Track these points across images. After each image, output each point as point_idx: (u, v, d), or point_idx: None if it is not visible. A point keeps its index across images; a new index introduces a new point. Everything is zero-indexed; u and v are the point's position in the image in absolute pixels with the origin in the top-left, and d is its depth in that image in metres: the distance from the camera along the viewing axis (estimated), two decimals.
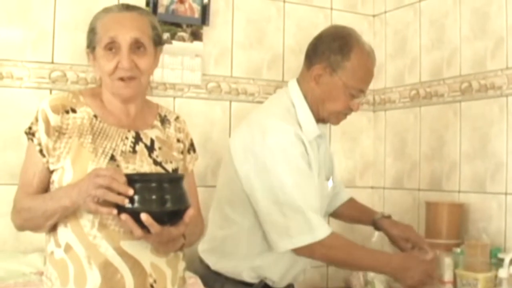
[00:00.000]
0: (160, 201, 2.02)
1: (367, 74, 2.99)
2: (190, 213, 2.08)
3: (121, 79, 2.23)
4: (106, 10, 2.28)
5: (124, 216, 2.00)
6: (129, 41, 2.20)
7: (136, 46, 2.22)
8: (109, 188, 1.99)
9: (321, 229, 2.76)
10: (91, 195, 2.01)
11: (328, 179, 3.15)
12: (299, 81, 3.02)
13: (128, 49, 2.20)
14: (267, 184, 2.78)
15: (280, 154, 2.79)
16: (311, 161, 2.87)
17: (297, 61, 3.85)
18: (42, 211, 2.15)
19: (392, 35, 4.37)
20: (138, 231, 2.02)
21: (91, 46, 2.28)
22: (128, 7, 2.29)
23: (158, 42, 2.35)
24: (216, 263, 3.00)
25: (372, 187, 4.49)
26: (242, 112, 3.86)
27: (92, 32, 2.27)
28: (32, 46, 3.46)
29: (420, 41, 4.10)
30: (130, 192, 2.00)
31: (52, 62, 3.50)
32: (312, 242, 2.74)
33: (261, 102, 3.67)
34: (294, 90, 3.00)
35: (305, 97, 2.96)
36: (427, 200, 3.82)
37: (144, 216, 1.98)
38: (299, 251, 2.80)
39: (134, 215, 1.99)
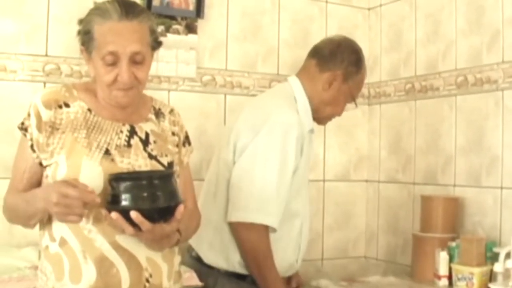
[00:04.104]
0: (150, 198, 2.02)
1: (362, 87, 3.26)
2: (181, 209, 2.07)
3: (120, 88, 2.21)
4: (104, 15, 2.19)
5: (114, 214, 2.00)
6: (129, 55, 2.16)
7: (135, 57, 2.19)
8: (66, 205, 2.01)
9: (273, 218, 2.89)
10: (53, 211, 2.05)
11: None
12: (301, 79, 3.12)
13: (127, 63, 2.17)
14: (254, 159, 2.90)
15: (278, 133, 2.89)
16: (304, 147, 2.97)
17: (292, 54, 4.04)
18: (23, 211, 2.20)
19: (387, 28, 4.36)
20: (129, 229, 2.02)
21: (86, 47, 2.24)
22: (127, 14, 2.19)
23: (156, 47, 2.32)
24: (208, 256, 3.03)
25: (366, 181, 4.49)
26: (237, 105, 3.85)
27: (87, 35, 2.21)
28: (26, 38, 3.45)
29: (415, 35, 4.10)
30: (97, 200, 2.02)
31: (46, 55, 3.49)
32: (259, 223, 2.86)
33: (255, 95, 3.70)
34: (296, 87, 3.10)
35: (309, 95, 3.08)
36: (422, 194, 3.81)
37: (134, 214, 1.98)
38: (240, 227, 2.89)
39: (125, 213, 1.99)
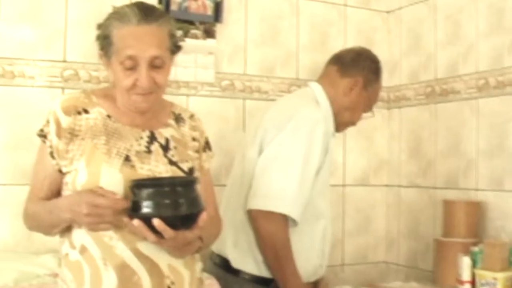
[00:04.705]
0: (173, 206, 1.99)
1: (378, 97, 3.32)
2: (204, 216, 2.04)
3: (139, 93, 2.18)
4: (123, 20, 2.16)
5: (136, 222, 1.97)
6: (148, 59, 2.13)
7: (155, 62, 2.16)
8: (98, 214, 2.01)
9: (293, 209, 2.86)
10: (83, 221, 2.04)
11: None
12: (322, 84, 3.16)
13: (147, 68, 2.14)
14: (279, 151, 2.91)
15: (305, 128, 2.91)
16: (329, 145, 3.00)
17: (311, 58, 4.03)
18: (46, 221, 2.18)
19: (407, 32, 4.33)
20: (151, 236, 1.99)
21: (105, 52, 2.21)
22: (146, 18, 2.16)
23: (175, 51, 2.29)
24: (235, 258, 3.00)
25: (386, 186, 4.45)
26: (255, 110, 3.83)
27: (106, 39, 2.18)
28: (44, 44, 3.43)
29: (435, 37, 4.07)
30: (125, 204, 2.01)
31: (64, 61, 3.47)
32: (277, 212, 2.84)
33: (274, 100, 3.65)
34: (319, 92, 3.13)
35: (330, 101, 3.12)
36: (444, 198, 3.78)
37: (156, 222, 1.95)
38: (259, 215, 2.87)
39: (147, 220, 1.96)
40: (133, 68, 2.14)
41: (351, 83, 3.14)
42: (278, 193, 2.85)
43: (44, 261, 3.05)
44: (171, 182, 2.06)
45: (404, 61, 4.33)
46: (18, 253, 3.21)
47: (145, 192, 1.99)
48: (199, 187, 2.12)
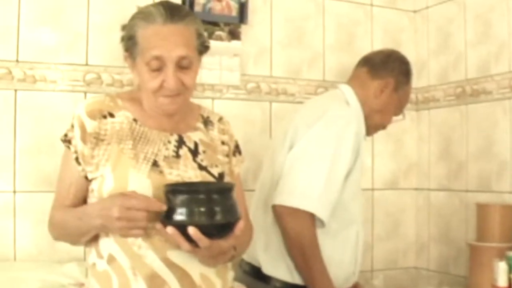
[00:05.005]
0: (209, 214, 1.91)
1: (408, 100, 3.28)
2: (241, 225, 1.97)
3: (166, 95, 2.12)
4: (148, 19, 2.10)
5: (170, 229, 1.90)
6: (175, 59, 2.07)
7: (182, 62, 2.09)
8: (130, 218, 1.94)
9: (320, 208, 2.78)
10: (115, 226, 1.97)
11: None
12: (352, 86, 3.11)
13: (174, 68, 2.08)
14: (307, 148, 2.85)
15: (336, 127, 2.86)
16: (361, 147, 2.93)
17: (338, 59, 3.99)
18: (75, 228, 2.11)
19: (435, 31, 4.24)
20: (185, 245, 1.91)
21: (130, 53, 2.15)
22: (172, 17, 2.09)
23: (203, 51, 2.23)
24: (266, 264, 2.93)
25: (416, 189, 4.37)
26: (282, 113, 3.78)
27: (131, 40, 2.12)
28: (66, 48, 3.38)
29: (465, 36, 3.97)
30: (160, 207, 1.94)
31: (86, 64, 3.42)
32: (303, 210, 2.76)
33: (301, 103, 3.61)
34: (349, 94, 3.08)
35: (361, 103, 3.07)
36: (476, 201, 3.68)
37: (192, 230, 1.87)
38: (284, 212, 2.80)
39: (181, 228, 1.88)
40: (159, 69, 2.08)
41: (382, 85, 3.09)
42: (304, 190, 2.78)
43: (68, 270, 3.01)
44: (208, 188, 1.99)
45: (433, 61, 4.24)
46: (41, 262, 3.16)
47: (180, 198, 1.91)
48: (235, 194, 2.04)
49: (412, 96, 4.10)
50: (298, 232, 2.78)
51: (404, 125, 4.16)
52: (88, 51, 3.43)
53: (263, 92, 3.87)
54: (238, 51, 3.75)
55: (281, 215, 2.81)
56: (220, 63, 3.69)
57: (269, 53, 3.91)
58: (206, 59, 3.39)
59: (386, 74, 3.10)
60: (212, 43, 3.45)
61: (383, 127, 3.21)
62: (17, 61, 3.27)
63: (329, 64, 4.06)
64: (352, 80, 3.16)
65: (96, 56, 3.44)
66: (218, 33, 3.68)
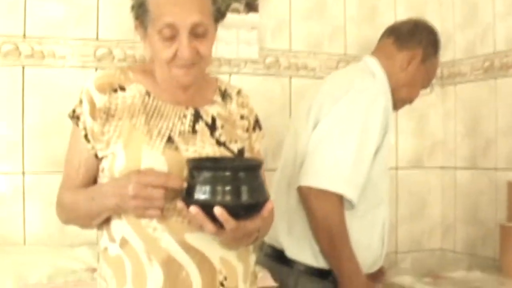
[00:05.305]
0: (236, 193, 1.75)
1: (436, 72, 3.15)
2: (269, 206, 1.81)
3: (180, 66, 1.98)
4: None
5: (194, 209, 1.73)
6: (189, 26, 1.92)
7: (197, 30, 1.95)
8: (146, 196, 1.82)
9: (349, 189, 2.64)
10: (130, 205, 1.85)
11: None
12: (378, 58, 2.97)
13: (188, 36, 1.93)
14: (333, 125, 2.71)
15: (363, 101, 2.72)
16: (390, 122, 2.79)
17: (359, 32, 3.89)
18: (86, 210, 1.99)
19: (461, 3, 4.09)
20: (210, 226, 1.75)
21: (141, 22, 2.02)
22: None
23: (219, 18, 2.08)
24: (289, 246, 2.81)
25: (441, 167, 4.24)
26: (302, 88, 3.68)
27: (141, 7, 1.99)
28: (75, 21, 3.32)
29: (493, 8, 3.82)
30: (180, 183, 1.81)
31: (97, 39, 3.35)
32: (331, 191, 2.62)
33: (322, 78, 3.45)
34: (374, 66, 2.95)
35: (387, 75, 2.94)
36: (508, 180, 3.53)
37: (218, 211, 1.71)
38: (311, 193, 2.66)
39: (205, 207, 1.73)
40: (172, 38, 1.94)
41: (409, 57, 2.95)
42: (331, 170, 2.64)
43: (79, 254, 2.96)
44: (235, 166, 1.84)
45: (459, 34, 4.09)
46: (51, 246, 3.11)
47: (205, 175, 1.76)
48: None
49: (437, 71, 3.96)
50: (326, 215, 2.65)
51: (429, 101, 4.05)
52: (99, 25, 3.36)
53: (282, 66, 3.76)
54: (255, 24, 3.64)
55: (308, 197, 2.67)
56: (237, 36, 3.59)
57: (288, 25, 3.80)
58: (222, 32, 3.45)
59: (413, 45, 2.96)
60: (229, 16, 3.37)
61: (410, 101, 3.06)
62: (24, 36, 3.21)
63: (351, 38, 3.94)
64: (377, 52, 3.02)
65: (107, 30, 3.37)
66: (234, 5, 3.57)
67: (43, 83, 3.22)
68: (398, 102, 3.01)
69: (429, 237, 4.22)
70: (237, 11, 3.57)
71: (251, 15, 3.61)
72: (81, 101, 2.00)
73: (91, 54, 3.31)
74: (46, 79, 3.22)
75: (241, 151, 2.09)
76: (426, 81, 3.05)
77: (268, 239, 2.85)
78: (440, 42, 3.06)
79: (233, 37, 3.57)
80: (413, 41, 2.97)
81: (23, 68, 3.19)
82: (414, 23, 3.05)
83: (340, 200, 2.64)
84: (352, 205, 2.67)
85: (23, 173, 3.17)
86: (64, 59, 3.26)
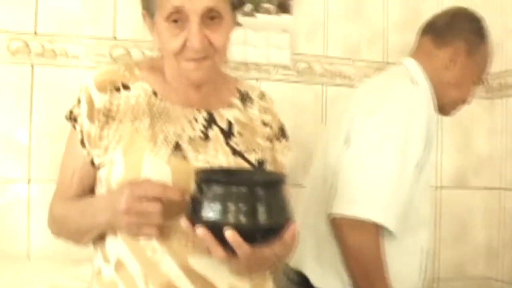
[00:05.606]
0: (251, 213, 1.51)
1: (489, 64, 2.88)
2: (292, 230, 1.57)
3: (190, 58, 1.78)
4: None
5: (201, 230, 1.50)
6: (200, 11, 1.71)
7: (210, 15, 1.74)
8: (141, 212, 1.61)
9: (387, 217, 2.41)
10: (122, 222, 1.65)
11: None
12: (418, 59, 2.76)
13: (199, 23, 1.72)
14: (369, 142, 2.49)
15: (402, 112, 2.49)
16: (433, 133, 2.58)
17: (401, 38, 3.71)
18: (76, 225, 1.84)
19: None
20: (219, 251, 1.52)
21: (148, 10, 1.85)
22: None
23: (237, 5, 1.87)
24: (317, 276, 2.60)
25: (486, 188, 3.99)
26: (337, 97, 3.48)
27: None
28: (90, 18, 3.19)
29: None
30: (181, 195, 1.60)
31: (114, 38, 3.23)
32: (367, 220, 2.39)
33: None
34: (414, 69, 2.73)
35: (430, 78, 2.72)
36: None
37: (229, 233, 1.47)
38: (344, 223, 2.44)
39: (215, 229, 1.50)
40: (181, 25, 1.74)
41: (451, 53, 2.71)
42: (367, 197, 2.41)
43: (82, 272, 2.76)
44: (253, 179, 1.62)
45: (509, 43, 3.88)
46: (55, 262, 2.97)
47: (216, 189, 1.53)
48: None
49: (488, 67, 3.81)
50: (361, 247, 2.44)
51: (475, 115, 3.86)
52: (116, 23, 3.24)
53: (316, 73, 3.59)
54: (288, 26, 3.48)
55: (341, 227, 2.46)
56: (267, 39, 3.43)
57: (323, 29, 3.63)
58: (251, 34, 3.32)
59: (453, 38, 2.73)
60: (259, 17, 3.34)
61: (463, 101, 2.82)
62: (35, 33, 3.11)
63: (392, 44, 3.75)
64: (416, 52, 2.81)
65: (124, 28, 3.24)
66: (265, 5, 3.41)
67: (53, 84, 3.09)
68: (449, 107, 2.82)
69: (473, 264, 3.98)
70: (268, 11, 3.42)
71: (283, 17, 3.46)
72: (79, 101, 1.85)
73: (107, 54, 3.18)
74: (57, 79, 3.10)
75: (260, 163, 1.89)
76: (477, 76, 2.82)
77: (293, 262, 2.63)
78: (485, 29, 2.80)
79: (262, 40, 3.41)
80: (452, 35, 2.74)
81: (32, 67, 3.07)
82: (452, 13, 2.82)
83: (377, 230, 2.43)
84: (389, 232, 2.46)
85: (29, 181, 3.05)
86: (77, 58, 3.14)
